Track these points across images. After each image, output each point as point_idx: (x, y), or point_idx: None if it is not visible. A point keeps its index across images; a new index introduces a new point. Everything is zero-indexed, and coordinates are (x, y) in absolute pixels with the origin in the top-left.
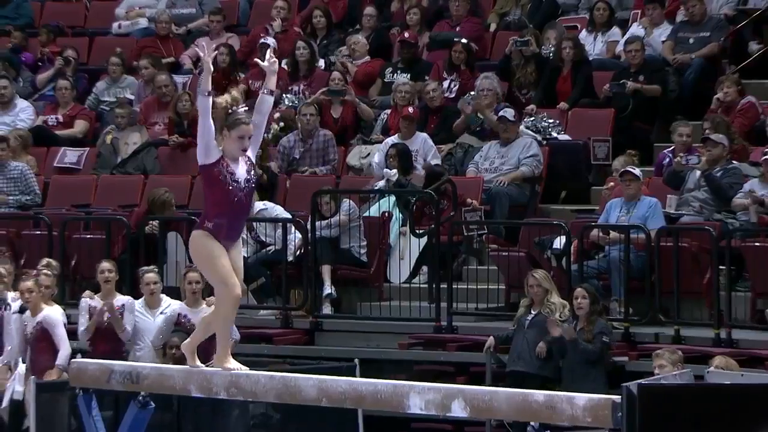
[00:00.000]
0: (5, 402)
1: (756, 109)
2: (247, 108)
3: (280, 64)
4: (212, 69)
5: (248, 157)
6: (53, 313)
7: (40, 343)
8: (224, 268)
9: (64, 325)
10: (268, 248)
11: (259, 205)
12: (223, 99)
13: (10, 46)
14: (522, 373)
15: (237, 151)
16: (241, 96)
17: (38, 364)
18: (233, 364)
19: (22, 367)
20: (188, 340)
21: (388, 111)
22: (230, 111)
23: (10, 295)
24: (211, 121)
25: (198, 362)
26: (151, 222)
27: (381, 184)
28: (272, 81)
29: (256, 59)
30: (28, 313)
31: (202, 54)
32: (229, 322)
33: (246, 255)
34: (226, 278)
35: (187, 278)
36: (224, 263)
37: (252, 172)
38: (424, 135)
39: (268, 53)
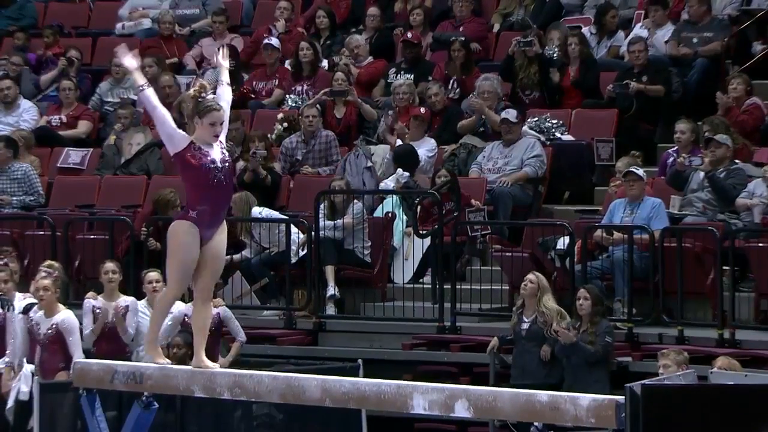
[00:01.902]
0: (11, 402)
1: (761, 110)
2: (215, 95)
3: (282, 64)
4: (136, 65)
5: (221, 142)
6: (71, 318)
7: (53, 345)
8: (182, 267)
9: (80, 330)
10: (270, 249)
11: (255, 211)
12: (191, 88)
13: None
14: (528, 387)
15: (210, 137)
16: (209, 85)
17: (49, 366)
18: (160, 359)
19: (27, 368)
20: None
21: (391, 112)
22: (199, 99)
23: (18, 296)
24: (163, 109)
25: (162, 358)
26: (144, 227)
27: (390, 184)
28: (225, 74)
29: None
30: (40, 313)
31: (124, 59)
32: (163, 313)
33: (249, 256)
34: (178, 277)
35: None
36: (184, 260)
37: (227, 154)
38: (432, 142)
39: (222, 51)
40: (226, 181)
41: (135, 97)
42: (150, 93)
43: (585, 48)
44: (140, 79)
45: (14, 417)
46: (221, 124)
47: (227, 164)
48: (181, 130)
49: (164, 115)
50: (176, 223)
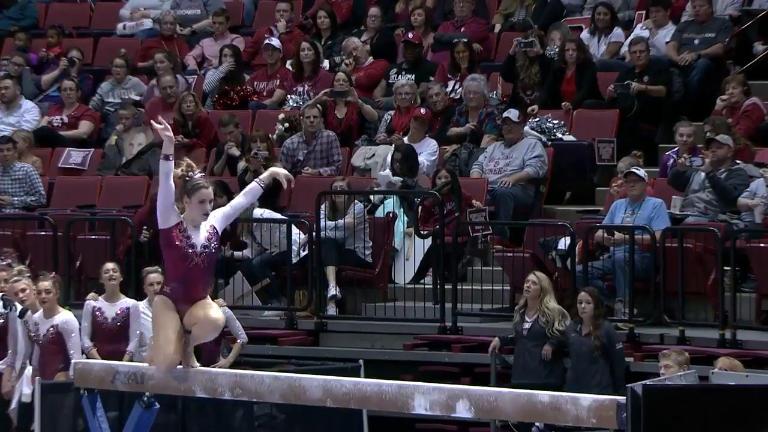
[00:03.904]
0: (14, 404)
1: (761, 110)
2: (203, 174)
3: (284, 64)
4: (173, 137)
5: (213, 227)
6: (71, 320)
7: (52, 346)
8: (165, 341)
9: (79, 331)
10: (272, 250)
11: (257, 212)
12: (178, 168)
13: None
14: (529, 385)
15: (199, 216)
16: (196, 165)
17: (48, 367)
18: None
19: (29, 370)
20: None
21: (392, 112)
22: (187, 178)
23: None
24: (172, 185)
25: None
26: (144, 228)
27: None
28: (168, 147)
29: (152, 122)
30: (39, 314)
31: (159, 126)
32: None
33: (251, 256)
34: (162, 351)
35: None
36: (166, 336)
37: (213, 241)
38: (434, 144)
39: (159, 121)
40: (204, 265)
41: (136, 98)
42: (171, 166)
43: (582, 53)
44: (169, 149)
45: (18, 419)
46: (210, 201)
47: (210, 250)
48: (177, 210)
49: (171, 190)
50: (156, 299)
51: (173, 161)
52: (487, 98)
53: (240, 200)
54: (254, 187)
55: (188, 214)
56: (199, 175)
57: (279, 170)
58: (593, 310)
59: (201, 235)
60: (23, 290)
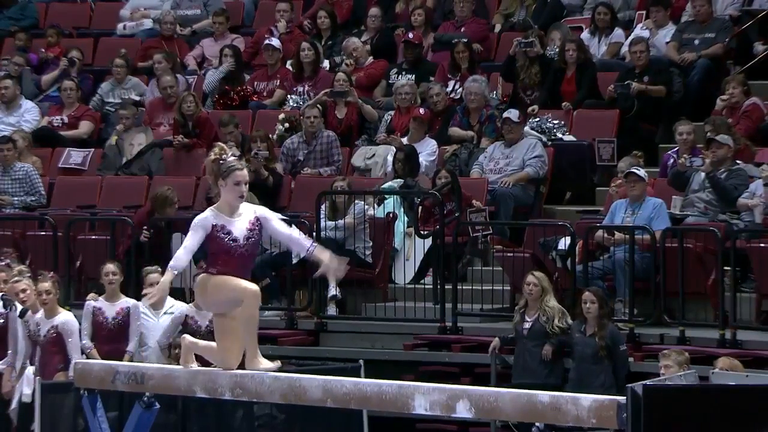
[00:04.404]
0: (14, 404)
1: (761, 110)
2: (236, 156)
3: (284, 64)
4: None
5: (257, 219)
6: (72, 320)
7: (52, 347)
8: (233, 281)
9: (79, 332)
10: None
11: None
12: (212, 152)
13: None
14: (529, 385)
15: (235, 199)
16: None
17: (48, 367)
18: (266, 363)
19: (29, 370)
20: (194, 342)
21: (392, 112)
22: (221, 161)
23: None
24: (188, 249)
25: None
26: (145, 228)
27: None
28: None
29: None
30: (40, 314)
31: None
32: (256, 321)
33: None
34: (239, 284)
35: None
36: (231, 279)
37: (255, 232)
38: (433, 144)
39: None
40: (248, 253)
41: (136, 98)
42: (176, 263)
43: (582, 53)
44: (167, 275)
45: (18, 419)
46: (246, 183)
47: (252, 240)
48: (198, 222)
49: (190, 246)
50: (200, 277)
51: (168, 270)
52: (487, 99)
53: (284, 231)
54: (304, 246)
55: (223, 199)
56: (233, 157)
57: (333, 272)
58: (598, 310)
59: (242, 225)
60: (24, 290)
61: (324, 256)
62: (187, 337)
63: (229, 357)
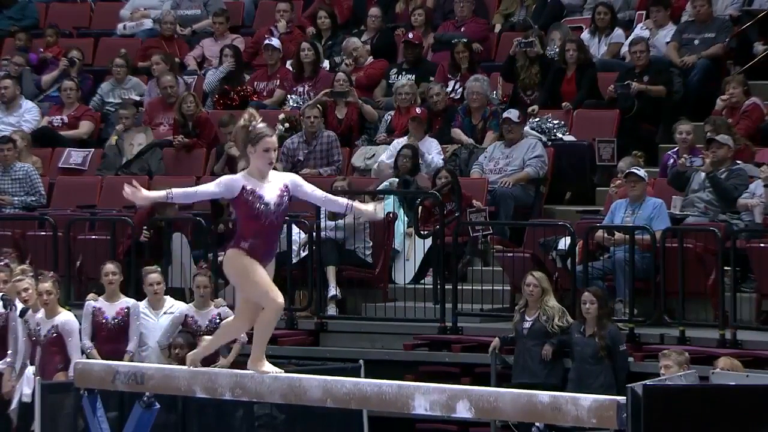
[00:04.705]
0: (14, 404)
1: (761, 110)
2: (266, 123)
3: (284, 64)
4: (147, 195)
5: (286, 186)
6: (72, 320)
7: (53, 347)
8: (263, 279)
9: (79, 332)
10: None
11: None
12: (241, 118)
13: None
14: (529, 385)
15: (264, 166)
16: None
17: (48, 367)
18: (268, 367)
19: (29, 370)
20: (197, 350)
21: (392, 112)
22: (250, 128)
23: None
24: (199, 191)
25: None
26: (145, 228)
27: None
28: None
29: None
30: (41, 314)
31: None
32: (271, 328)
33: None
34: (267, 289)
35: (196, 281)
36: (261, 274)
37: (285, 198)
38: (435, 141)
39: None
40: (277, 222)
41: (137, 98)
42: (179, 191)
43: (582, 53)
44: (161, 192)
45: (18, 419)
46: (275, 150)
47: (282, 208)
48: (225, 180)
49: (203, 191)
50: (230, 253)
51: (172, 190)
52: (489, 98)
53: (318, 195)
54: (341, 203)
55: (253, 165)
56: (262, 124)
57: (374, 214)
58: (597, 310)
59: (273, 191)
60: (26, 289)
61: (363, 207)
62: (189, 356)
63: (273, 292)
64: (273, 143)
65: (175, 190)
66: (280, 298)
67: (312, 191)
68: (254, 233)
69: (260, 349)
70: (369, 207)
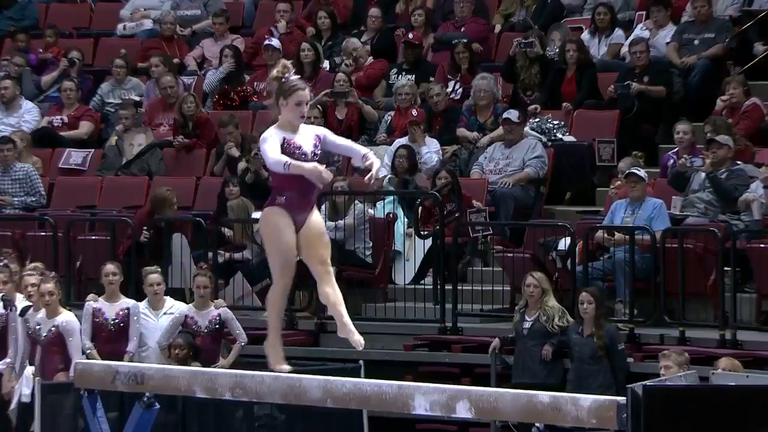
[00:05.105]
0: (13, 404)
1: (761, 111)
2: (299, 75)
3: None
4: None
5: (318, 137)
6: (72, 320)
7: (53, 347)
8: (283, 255)
9: (80, 332)
10: None
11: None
12: (275, 69)
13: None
14: (529, 385)
15: (296, 119)
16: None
17: (48, 367)
18: (283, 366)
19: (29, 370)
20: (267, 339)
21: (392, 112)
22: (283, 80)
23: (19, 296)
24: (270, 149)
25: (281, 364)
26: (145, 229)
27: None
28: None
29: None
30: (42, 314)
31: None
32: (275, 309)
33: (251, 256)
34: (282, 268)
35: (196, 282)
36: (285, 249)
37: (319, 148)
38: (434, 141)
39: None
40: None
41: (137, 98)
42: (291, 161)
43: (582, 54)
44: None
45: (17, 419)
46: (307, 103)
47: (317, 157)
48: (267, 137)
49: (277, 150)
50: (266, 210)
51: (287, 160)
52: (496, 96)
53: (345, 143)
54: (359, 153)
55: (284, 118)
56: (295, 76)
57: (373, 172)
58: (595, 310)
59: (308, 141)
60: (33, 285)
61: (374, 158)
62: (265, 344)
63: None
64: (305, 97)
65: (293, 163)
66: (285, 282)
67: (339, 141)
68: (288, 184)
69: (273, 337)
70: (376, 164)
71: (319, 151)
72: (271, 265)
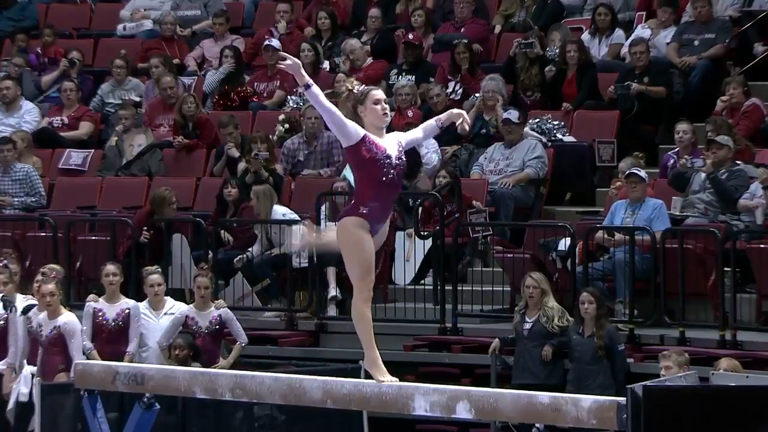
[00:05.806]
0: (11, 404)
1: (760, 111)
2: (364, 85)
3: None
4: (298, 62)
5: (400, 143)
6: (74, 320)
7: (54, 347)
8: (365, 266)
9: (81, 332)
10: (272, 251)
11: (279, 211)
12: (343, 87)
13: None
14: (529, 385)
15: (379, 119)
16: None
17: (50, 367)
18: (385, 376)
19: (27, 369)
20: (366, 358)
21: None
22: (354, 91)
23: (19, 297)
24: (330, 106)
25: (386, 376)
26: (144, 229)
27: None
28: (302, 77)
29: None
30: (43, 314)
31: (284, 61)
32: (364, 322)
33: (251, 256)
34: (363, 278)
35: (197, 282)
36: (367, 260)
37: (403, 154)
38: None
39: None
40: (398, 179)
41: (136, 99)
42: (316, 91)
43: (583, 54)
44: (304, 78)
45: (15, 419)
46: (385, 101)
47: (402, 163)
48: (354, 123)
49: (331, 111)
50: (346, 220)
51: (315, 86)
52: (504, 98)
53: (418, 134)
54: (432, 124)
55: (367, 123)
56: (360, 85)
57: (459, 111)
58: (596, 310)
59: (392, 147)
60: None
61: (446, 114)
62: (366, 363)
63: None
64: (381, 94)
65: (315, 88)
66: (367, 292)
67: (411, 135)
68: (374, 194)
69: (370, 351)
70: (457, 115)
71: (404, 157)
72: (351, 276)
